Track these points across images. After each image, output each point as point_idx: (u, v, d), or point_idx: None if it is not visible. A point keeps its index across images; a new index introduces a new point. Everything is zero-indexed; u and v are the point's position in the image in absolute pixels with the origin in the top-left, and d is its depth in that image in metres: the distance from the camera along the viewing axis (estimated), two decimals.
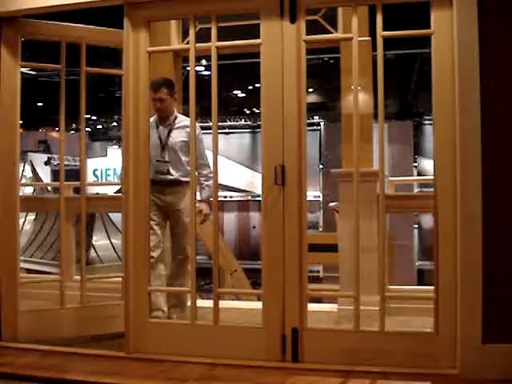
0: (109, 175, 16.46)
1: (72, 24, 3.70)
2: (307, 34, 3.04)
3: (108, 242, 7.80)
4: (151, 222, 3.58)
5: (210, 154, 3.18)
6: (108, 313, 3.67)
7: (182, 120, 3.96)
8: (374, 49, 3.08)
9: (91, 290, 3.78)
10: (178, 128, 3.92)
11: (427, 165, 14.48)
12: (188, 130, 3.71)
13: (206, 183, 3.84)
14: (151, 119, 3.73)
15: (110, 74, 3.73)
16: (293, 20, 3.03)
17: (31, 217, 8.28)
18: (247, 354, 3.06)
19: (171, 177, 3.87)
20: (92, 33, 3.75)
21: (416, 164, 14.98)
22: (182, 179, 3.88)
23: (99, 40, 3.81)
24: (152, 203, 3.64)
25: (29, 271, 6.79)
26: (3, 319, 3.51)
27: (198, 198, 3.69)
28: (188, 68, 3.32)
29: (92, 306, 3.71)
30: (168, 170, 3.87)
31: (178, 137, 3.90)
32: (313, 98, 14.26)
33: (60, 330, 3.60)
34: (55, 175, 14.38)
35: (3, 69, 3.51)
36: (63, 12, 3.41)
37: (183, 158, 3.89)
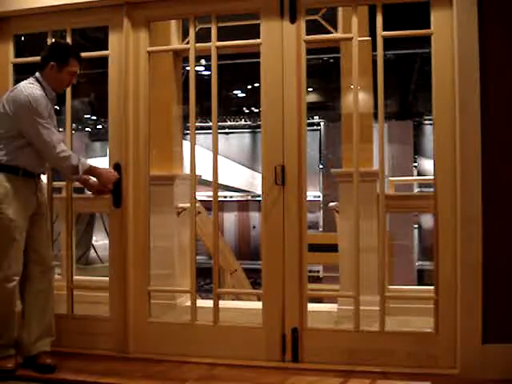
0: None
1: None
2: (307, 34, 3.04)
3: (108, 241, 7.77)
4: (19, 237, 2.88)
5: (209, 154, 3.18)
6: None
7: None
8: (374, 49, 3.08)
9: (90, 290, 3.78)
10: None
11: (427, 165, 14.46)
12: None
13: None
14: (39, 90, 2.88)
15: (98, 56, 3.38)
16: (293, 20, 3.03)
17: None
18: (247, 353, 3.06)
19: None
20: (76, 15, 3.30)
21: (416, 164, 14.96)
22: None
23: (84, 21, 3.37)
24: (23, 210, 2.91)
25: None
26: None
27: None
28: (188, 68, 3.32)
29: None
30: None
31: None
32: (313, 98, 14.22)
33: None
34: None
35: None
36: None
37: None
